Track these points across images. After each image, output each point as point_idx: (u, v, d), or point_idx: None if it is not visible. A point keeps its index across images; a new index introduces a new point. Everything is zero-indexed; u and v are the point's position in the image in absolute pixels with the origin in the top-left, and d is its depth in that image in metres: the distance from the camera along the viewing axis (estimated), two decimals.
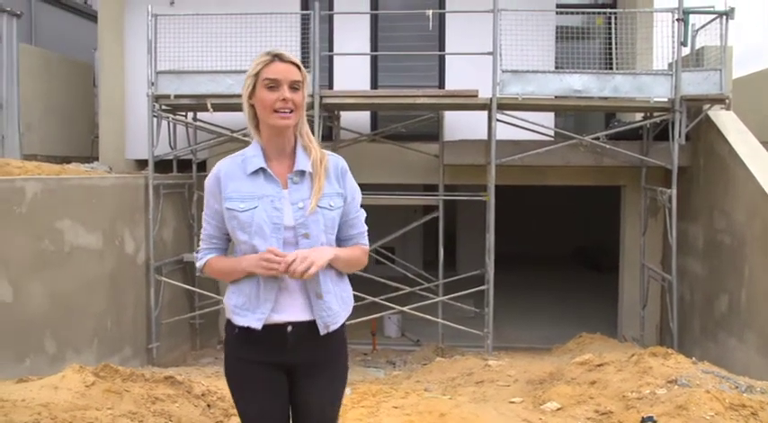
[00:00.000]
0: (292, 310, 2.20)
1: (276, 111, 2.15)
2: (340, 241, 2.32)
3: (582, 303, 11.05)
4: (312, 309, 2.20)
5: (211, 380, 5.14)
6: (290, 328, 2.19)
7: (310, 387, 2.27)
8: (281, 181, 2.21)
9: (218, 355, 8.29)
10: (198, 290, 8.47)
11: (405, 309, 8.08)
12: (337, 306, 2.26)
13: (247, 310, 2.19)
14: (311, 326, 2.21)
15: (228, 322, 2.27)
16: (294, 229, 2.18)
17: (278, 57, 2.17)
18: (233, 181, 2.20)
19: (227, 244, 2.33)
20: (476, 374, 5.79)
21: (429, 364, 7.09)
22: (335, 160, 2.30)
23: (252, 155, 2.23)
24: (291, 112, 2.16)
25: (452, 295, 8.18)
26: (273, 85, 2.15)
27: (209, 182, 2.26)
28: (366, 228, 2.39)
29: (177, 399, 4.18)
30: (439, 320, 8.27)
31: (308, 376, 2.27)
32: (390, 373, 7.22)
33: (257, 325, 2.17)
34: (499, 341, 8.33)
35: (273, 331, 2.19)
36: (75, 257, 6.41)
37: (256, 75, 2.18)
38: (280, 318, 2.19)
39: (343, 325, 2.32)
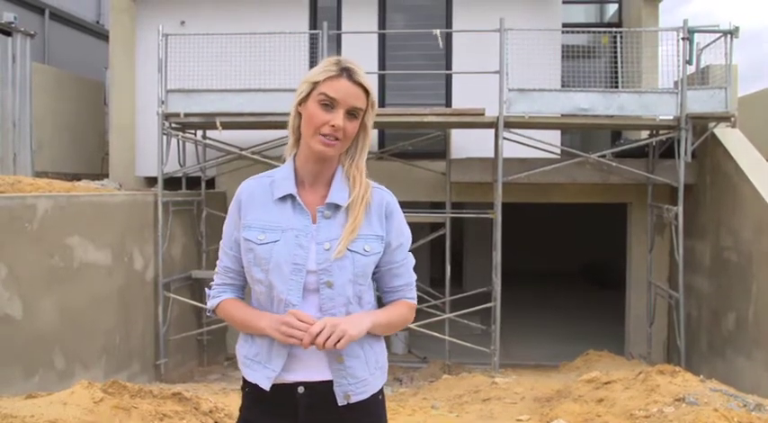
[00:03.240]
0: (307, 369, 1.81)
1: (321, 135, 1.77)
2: (382, 293, 1.95)
3: (589, 321, 11.01)
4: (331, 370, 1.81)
5: (219, 396, 5.16)
6: (301, 390, 1.81)
7: None
8: (311, 213, 1.83)
9: (226, 372, 8.31)
10: (206, 306, 8.49)
11: (411, 325, 8.06)
12: (365, 373, 1.84)
13: (259, 362, 1.84)
14: (331, 390, 1.81)
15: (243, 379, 1.91)
16: (316, 273, 1.79)
17: (347, 71, 1.78)
18: (255, 207, 1.85)
19: (245, 280, 1.95)
20: (483, 392, 5.78)
21: (436, 382, 7.08)
22: (381, 195, 1.89)
23: (282, 177, 1.86)
24: (338, 140, 1.78)
25: (459, 312, 8.18)
26: (329, 103, 1.77)
27: (231, 206, 1.91)
28: (415, 277, 1.98)
29: (185, 415, 4.19)
30: (446, 337, 8.26)
31: None
32: (397, 391, 7.20)
33: (266, 384, 1.81)
34: (506, 358, 8.31)
35: (284, 392, 1.82)
36: (85, 274, 6.46)
37: (315, 83, 1.79)
38: (289, 377, 1.81)
39: (377, 395, 1.88)
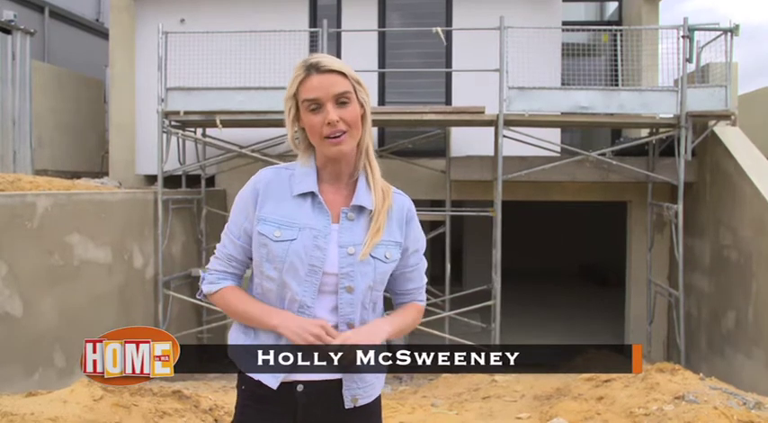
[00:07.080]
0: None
1: (326, 137, 1.73)
2: (393, 295, 1.94)
3: (589, 319, 11.01)
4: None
5: (219, 394, 5.16)
6: (300, 388, 1.75)
7: None
8: (332, 213, 1.78)
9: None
10: (206, 304, 8.51)
11: None
12: (372, 376, 1.81)
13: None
14: (332, 390, 1.76)
15: (240, 376, 1.85)
16: (337, 277, 1.74)
17: (313, 67, 1.74)
18: (273, 200, 1.77)
19: (245, 270, 1.89)
20: (482, 390, 5.78)
21: (435, 380, 7.08)
22: (402, 201, 1.87)
23: (303, 172, 1.79)
24: (345, 133, 1.74)
25: (459, 310, 8.18)
26: (315, 106, 1.73)
27: (244, 192, 1.82)
28: (426, 280, 1.96)
29: (185, 413, 4.20)
30: (446, 336, 8.26)
31: None
32: (397, 389, 7.21)
33: (273, 382, 1.75)
34: None
35: (283, 391, 1.76)
36: (85, 272, 6.46)
37: (295, 96, 1.77)
38: (290, 376, 1.76)
39: (376, 399, 1.86)
